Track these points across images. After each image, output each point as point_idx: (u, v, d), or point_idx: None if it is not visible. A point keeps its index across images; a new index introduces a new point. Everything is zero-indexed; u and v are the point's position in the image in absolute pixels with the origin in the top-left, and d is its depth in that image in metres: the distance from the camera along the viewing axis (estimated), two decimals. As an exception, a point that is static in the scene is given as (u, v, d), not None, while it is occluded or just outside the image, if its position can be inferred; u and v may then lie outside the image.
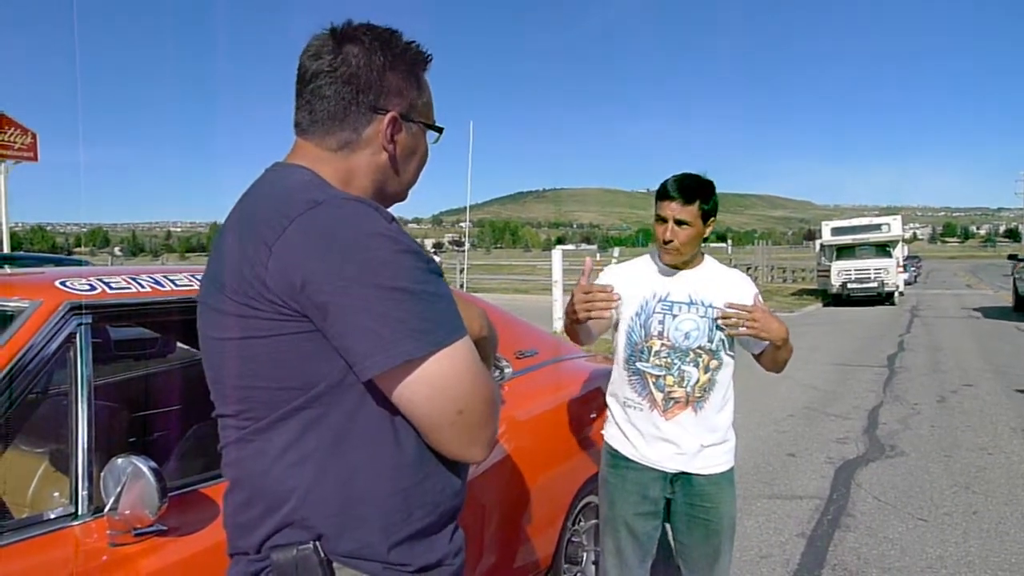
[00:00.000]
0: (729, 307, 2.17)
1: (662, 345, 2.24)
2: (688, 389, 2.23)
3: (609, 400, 2.40)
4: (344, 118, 1.08)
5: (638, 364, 2.27)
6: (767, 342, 2.22)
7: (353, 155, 1.10)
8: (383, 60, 1.08)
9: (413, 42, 1.13)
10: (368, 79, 1.08)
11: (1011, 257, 18.64)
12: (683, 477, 2.27)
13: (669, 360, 2.23)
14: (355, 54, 1.07)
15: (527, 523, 2.50)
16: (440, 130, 1.20)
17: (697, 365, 2.22)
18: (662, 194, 2.23)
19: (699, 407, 2.23)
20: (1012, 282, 18.02)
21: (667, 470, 2.26)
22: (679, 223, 2.19)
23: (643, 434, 2.27)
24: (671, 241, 2.20)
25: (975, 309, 18.62)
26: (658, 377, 2.25)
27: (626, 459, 2.32)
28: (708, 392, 2.23)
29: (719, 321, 2.19)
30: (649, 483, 2.29)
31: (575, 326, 2.22)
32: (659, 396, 2.25)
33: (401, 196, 1.20)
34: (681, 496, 2.29)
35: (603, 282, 2.25)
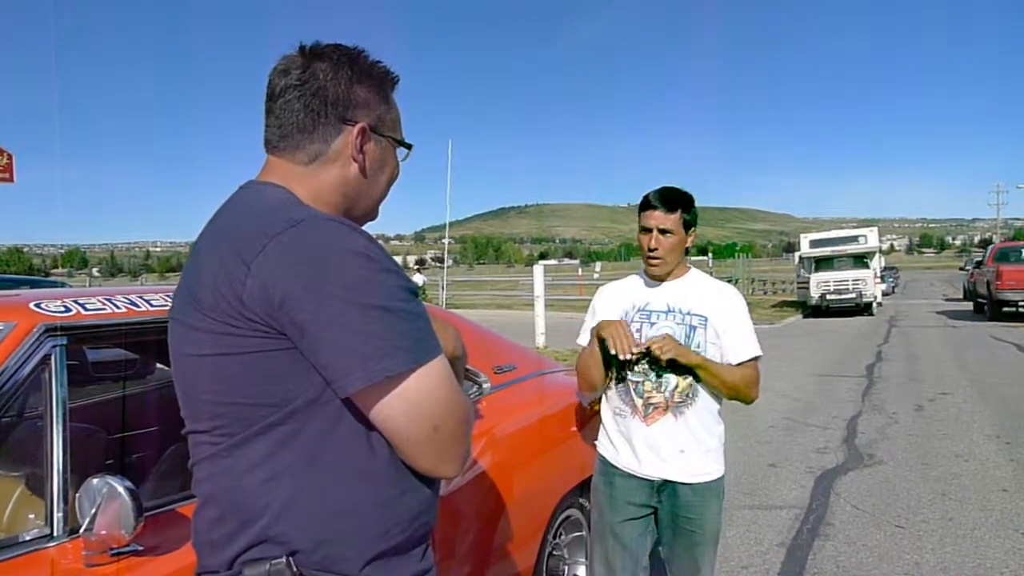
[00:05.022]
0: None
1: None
2: (667, 395, 2.27)
3: (603, 410, 2.46)
4: (314, 130, 1.10)
5: (621, 373, 2.33)
6: (745, 358, 2.26)
7: (323, 169, 1.12)
8: (350, 74, 1.11)
9: (380, 61, 1.16)
10: (336, 92, 1.10)
11: (961, 268, 28.22)
12: (668, 487, 2.30)
13: (647, 367, 2.28)
14: (323, 69, 1.10)
15: (507, 537, 2.51)
16: (409, 147, 1.22)
17: (676, 371, 2.26)
18: (645, 205, 2.30)
19: (679, 412, 2.27)
20: (963, 285, 25.37)
21: (651, 478, 2.30)
22: (663, 232, 2.25)
23: (629, 441, 2.33)
24: (655, 249, 2.26)
25: (950, 317, 18.89)
26: (637, 383, 2.30)
27: (614, 467, 2.37)
28: (689, 398, 2.26)
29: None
30: (635, 490, 2.33)
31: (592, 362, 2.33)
32: (639, 402, 2.30)
33: (372, 213, 1.21)
34: (666, 506, 2.32)
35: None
